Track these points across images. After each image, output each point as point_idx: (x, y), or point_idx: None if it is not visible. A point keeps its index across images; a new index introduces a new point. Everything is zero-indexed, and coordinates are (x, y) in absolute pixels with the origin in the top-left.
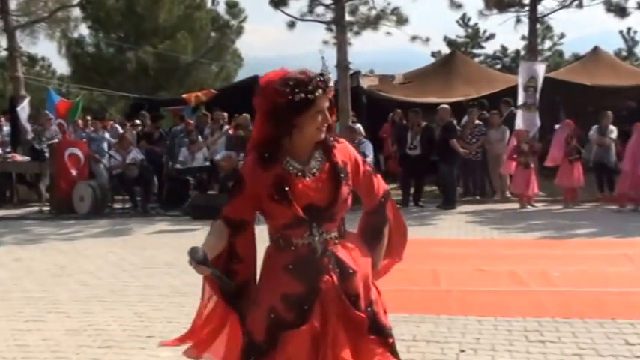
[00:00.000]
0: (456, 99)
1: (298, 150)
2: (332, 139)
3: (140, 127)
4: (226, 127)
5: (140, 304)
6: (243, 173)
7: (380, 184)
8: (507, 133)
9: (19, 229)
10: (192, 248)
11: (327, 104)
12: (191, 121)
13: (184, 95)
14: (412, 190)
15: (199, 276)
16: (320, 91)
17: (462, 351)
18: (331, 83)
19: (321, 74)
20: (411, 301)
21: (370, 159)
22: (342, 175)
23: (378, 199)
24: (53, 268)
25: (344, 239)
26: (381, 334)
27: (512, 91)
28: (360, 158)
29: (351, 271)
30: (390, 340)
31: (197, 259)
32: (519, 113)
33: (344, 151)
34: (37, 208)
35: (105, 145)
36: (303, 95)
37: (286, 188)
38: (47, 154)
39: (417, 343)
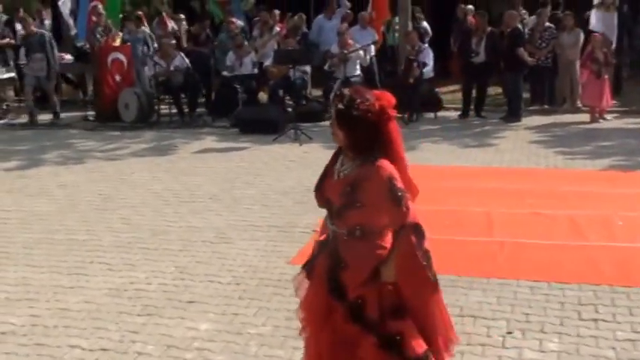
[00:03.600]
0: None
1: (345, 153)
2: (372, 158)
3: (185, 22)
4: (277, 28)
5: (182, 254)
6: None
7: (400, 217)
8: (582, 36)
9: (63, 142)
10: None
11: (334, 121)
12: (235, 20)
13: None
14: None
15: (242, 216)
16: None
17: (509, 333)
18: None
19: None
20: (461, 256)
21: (430, 67)
22: (349, 189)
23: (395, 228)
24: (97, 200)
25: (355, 239)
26: (366, 326)
27: None
28: (388, 186)
29: (342, 264)
30: (375, 339)
31: None
32: (595, 14)
33: (372, 171)
34: (81, 113)
35: (145, 47)
36: None
37: (321, 180)
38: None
39: (463, 319)
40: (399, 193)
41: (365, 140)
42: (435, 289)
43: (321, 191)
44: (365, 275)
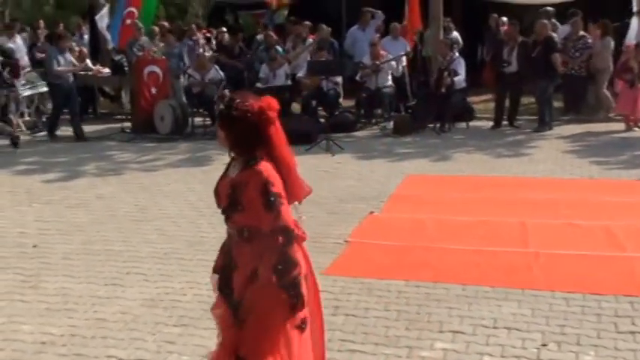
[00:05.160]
0: None
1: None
2: (253, 161)
3: (227, 35)
4: (310, 39)
5: None
6: None
7: (271, 221)
8: (612, 44)
9: (100, 154)
10: None
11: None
12: (272, 34)
13: None
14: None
15: None
16: None
17: (544, 345)
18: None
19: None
20: (495, 268)
21: (462, 76)
22: (230, 191)
23: (266, 231)
24: (134, 211)
25: (244, 240)
26: (239, 325)
27: None
28: (263, 191)
29: (233, 265)
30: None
31: None
32: (634, 22)
33: (250, 175)
34: (118, 125)
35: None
36: None
37: (219, 180)
38: (127, 68)
39: (497, 331)
40: (272, 198)
41: (244, 141)
42: (278, 299)
43: (218, 191)
44: (246, 276)
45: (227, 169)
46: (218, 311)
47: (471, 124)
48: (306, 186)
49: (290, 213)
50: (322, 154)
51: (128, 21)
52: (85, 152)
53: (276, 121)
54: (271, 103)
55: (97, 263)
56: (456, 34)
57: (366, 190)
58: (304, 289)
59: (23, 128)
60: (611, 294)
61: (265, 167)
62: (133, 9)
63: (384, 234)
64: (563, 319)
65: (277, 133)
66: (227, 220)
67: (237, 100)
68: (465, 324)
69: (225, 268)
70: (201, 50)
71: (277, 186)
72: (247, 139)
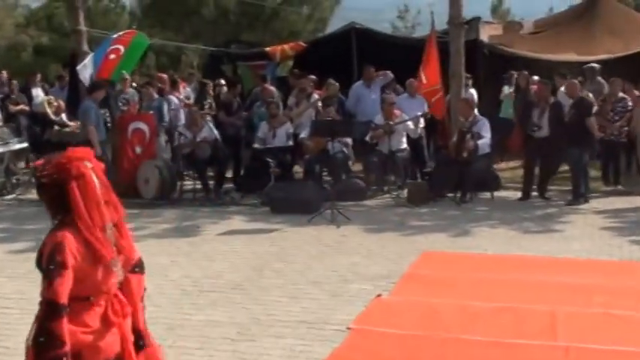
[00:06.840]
0: (597, 57)
1: None
2: (54, 226)
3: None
4: (315, 95)
5: (198, 354)
6: None
7: (42, 289)
8: None
9: None
10: None
11: None
12: (269, 87)
13: (268, 49)
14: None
15: (267, 309)
16: None
17: None
18: None
19: None
20: None
21: (487, 139)
22: (39, 255)
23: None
24: None
25: None
26: None
27: None
28: (47, 257)
29: None
30: None
31: None
32: None
33: (48, 239)
34: None
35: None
36: None
37: None
38: (109, 124)
39: None
40: (51, 266)
41: (54, 205)
42: None
43: None
44: None
45: None
46: None
47: (496, 194)
48: (104, 252)
49: (66, 286)
50: (326, 225)
51: (112, 56)
52: None
53: (83, 175)
54: (74, 154)
55: None
56: (472, 91)
57: (375, 268)
58: None
59: None
60: None
61: (61, 234)
62: (120, 46)
63: (393, 321)
64: None
65: (84, 187)
66: None
67: (42, 166)
68: None
69: None
70: (181, 111)
71: (64, 254)
72: (55, 202)
